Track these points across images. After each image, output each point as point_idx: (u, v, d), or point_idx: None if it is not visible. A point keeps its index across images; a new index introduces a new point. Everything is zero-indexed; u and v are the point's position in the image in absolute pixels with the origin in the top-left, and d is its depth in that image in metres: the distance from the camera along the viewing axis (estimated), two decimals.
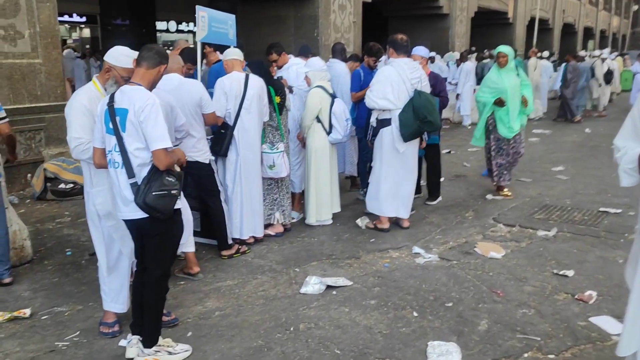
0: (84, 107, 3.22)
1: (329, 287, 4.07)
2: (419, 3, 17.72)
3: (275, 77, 5.81)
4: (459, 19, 18.98)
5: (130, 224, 3.05)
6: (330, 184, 5.65)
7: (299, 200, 5.98)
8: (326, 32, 12.40)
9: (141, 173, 2.93)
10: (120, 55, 3.23)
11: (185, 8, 24.26)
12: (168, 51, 4.74)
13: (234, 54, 4.90)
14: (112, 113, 2.92)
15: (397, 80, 5.11)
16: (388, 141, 5.27)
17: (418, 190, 6.72)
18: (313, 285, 4.04)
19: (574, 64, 13.95)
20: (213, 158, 4.71)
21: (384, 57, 6.80)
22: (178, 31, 26.37)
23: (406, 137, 5.14)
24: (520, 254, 4.83)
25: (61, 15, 20.73)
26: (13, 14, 6.95)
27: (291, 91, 5.85)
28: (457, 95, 13.23)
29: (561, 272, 4.33)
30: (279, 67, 5.97)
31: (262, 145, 5.07)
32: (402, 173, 5.33)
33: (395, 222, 5.57)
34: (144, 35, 22.88)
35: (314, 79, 5.54)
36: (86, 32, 23.36)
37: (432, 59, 14.50)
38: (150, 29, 23.91)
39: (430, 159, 6.44)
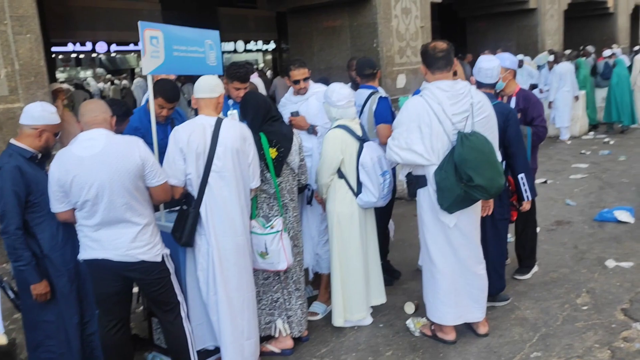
0: None
1: None
2: None
3: (290, 113, 4.11)
4: (549, 14, 16.41)
5: None
6: (365, 266, 3.83)
7: (326, 285, 4.18)
8: (387, 41, 10.58)
9: None
10: None
11: (252, 26, 23.52)
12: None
13: (204, 89, 3.20)
14: None
15: (428, 119, 3.25)
16: (428, 209, 3.42)
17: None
18: None
19: None
20: (167, 251, 3.06)
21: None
22: (247, 51, 25.66)
23: (447, 207, 3.27)
24: None
25: (127, 44, 20.50)
26: None
27: (314, 132, 4.10)
28: (550, 104, 10.80)
29: None
30: (302, 92, 4.18)
31: (252, 222, 3.36)
32: (461, 257, 3.42)
33: (467, 324, 3.65)
34: None
35: (331, 115, 3.77)
36: None
37: (519, 63, 12.22)
38: None
39: (520, 214, 4.44)
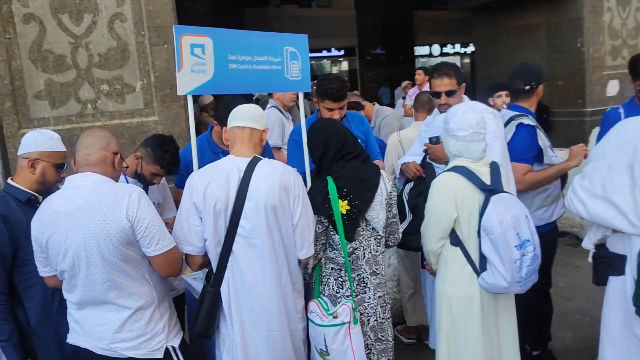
0: None
1: None
2: None
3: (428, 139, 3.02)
4: None
5: None
6: None
7: None
8: (596, 39, 8.64)
9: None
10: None
11: (449, 28, 22.24)
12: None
13: (239, 116, 2.27)
14: None
15: None
16: (618, 308, 2.08)
17: None
18: None
19: None
20: (175, 344, 2.19)
21: None
22: (443, 54, 24.44)
23: None
24: None
25: (320, 50, 20.83)
26: (120, 64, 5.54)
27: None
28: None
29: None
30: (444, 110, 3.02)
31: (311, 303, 2.34)
32: None
33: None
34: (402, 62, 21.61)
35: (449, 150, 2.56)
36: (344, 65, 23.07)
37: None
38: (408, 55, 22.64)
39: None
